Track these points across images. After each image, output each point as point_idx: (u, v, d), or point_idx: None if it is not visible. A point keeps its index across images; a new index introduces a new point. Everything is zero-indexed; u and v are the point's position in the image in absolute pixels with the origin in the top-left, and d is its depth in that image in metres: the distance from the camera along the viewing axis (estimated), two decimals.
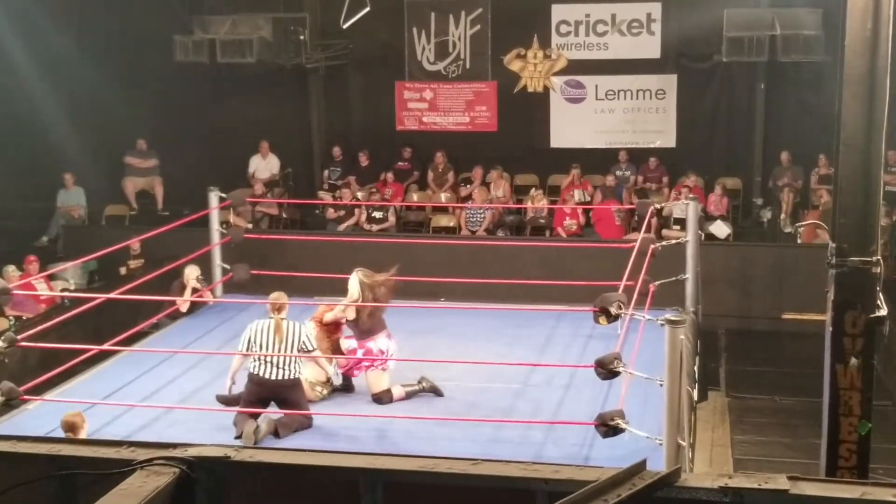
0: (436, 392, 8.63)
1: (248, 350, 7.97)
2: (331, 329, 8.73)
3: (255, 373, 7.90)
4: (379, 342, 8.53)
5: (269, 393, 7.93)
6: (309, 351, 8.13)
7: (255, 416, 7.87)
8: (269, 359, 7.88)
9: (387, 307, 8.67)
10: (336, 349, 8.70)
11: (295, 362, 7.99)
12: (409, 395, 8.57)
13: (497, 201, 15.62)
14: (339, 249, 13.48)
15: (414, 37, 16.90)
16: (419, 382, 8.63)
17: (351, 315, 8.54)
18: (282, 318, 8.05)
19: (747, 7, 15.13)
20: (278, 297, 8.17)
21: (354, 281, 8.56)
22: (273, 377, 7.87)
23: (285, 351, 7.93)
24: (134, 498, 3.14)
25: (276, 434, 7.75)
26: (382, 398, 8.48)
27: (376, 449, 7.17)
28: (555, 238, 14.74)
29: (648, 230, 11.15)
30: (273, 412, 7.93)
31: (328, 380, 8.63)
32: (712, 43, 15.40)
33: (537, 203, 15.11)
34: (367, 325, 8.54)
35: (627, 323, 7.79)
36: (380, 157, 16.74)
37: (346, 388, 8.77)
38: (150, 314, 10.66)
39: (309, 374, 8.47)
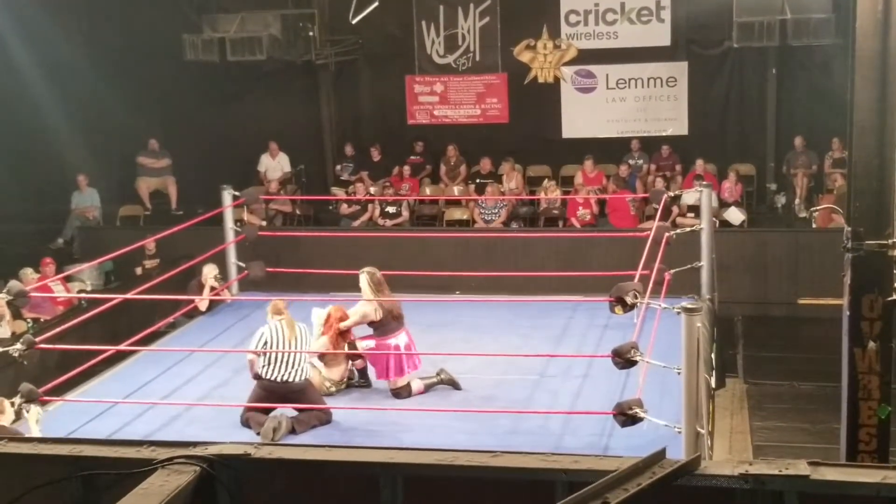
0: (453, 385, 8.63)
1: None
2: (344, 333, 8.71)
3: (267, 377, 7.88)
4: (399, 338, 8.56)
5: (278, 399, 7.91)
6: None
7: (268, 411, 7.90)
8: (282, 361, 7.87)
9: (404, 302, 8.69)
10: (353, 350, 8.69)
11: (306, 363, 8.00)
12: (427, 388, 8.58)
13: (510, 193, 15.59)
14: (354, 245, 13.50)
15: (423, 30, 16.87)
16: (437, 374, 8.64)
17: (378, 316, 8.55)
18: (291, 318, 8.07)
19: None
20: (275, 302, 8.21)
21: (364, 281, 8.59)
22: (284, 379, 7.85)
23: (300, 349, 7.93)
24: (155, 497, 3.16)
25: (293, 430, 7.76)
26: (401, 392, 8.50)
27: (395, 443, 7.15)
28: (569, 228, 14.70)
29: (663, 218, 11.12)
30: (289, 406, 7.93)
31: (340, 378, 8.64)
32: (722, 29, 15.32)
33: (550, 194, 15.08)
34: (389, 323, 8.55)
35: (643, 312, 7.77)
36: (392, 152, 16.72)
37: (364, 383, 8.79)
38: (167, 313, 10.69)
39: (323, 371, 8.49)
